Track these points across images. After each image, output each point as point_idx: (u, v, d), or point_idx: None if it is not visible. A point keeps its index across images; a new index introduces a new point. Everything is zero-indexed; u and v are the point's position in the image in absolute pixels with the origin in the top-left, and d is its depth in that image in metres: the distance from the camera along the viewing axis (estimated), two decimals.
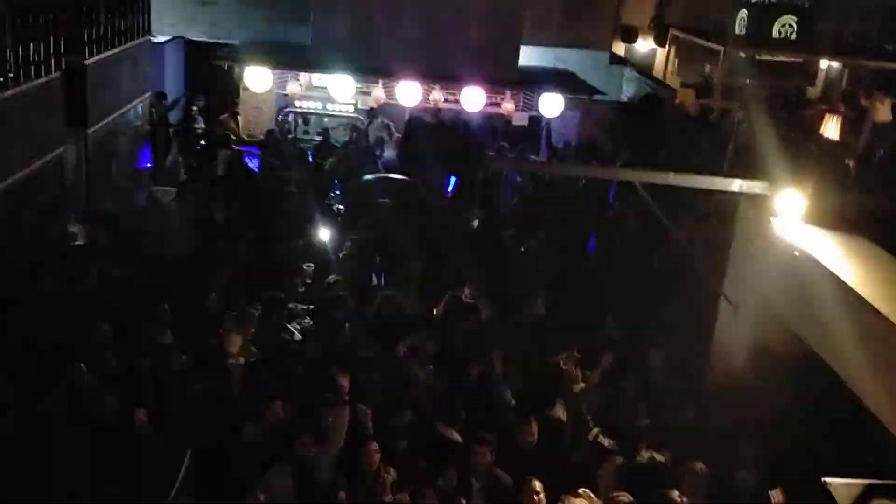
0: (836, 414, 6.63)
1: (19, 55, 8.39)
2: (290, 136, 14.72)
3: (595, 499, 5.89)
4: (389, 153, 13.78)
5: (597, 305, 9.09)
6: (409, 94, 14.15)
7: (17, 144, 8.49)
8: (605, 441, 6.73)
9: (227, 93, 15.06)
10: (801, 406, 6.89)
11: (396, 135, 14.50)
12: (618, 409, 7.36)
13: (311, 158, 13.40)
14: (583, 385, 7.58)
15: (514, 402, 7.33)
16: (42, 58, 8.92)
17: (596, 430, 6.90)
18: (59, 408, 6.36)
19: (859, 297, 6.16)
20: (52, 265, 8.48)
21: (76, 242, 9.27)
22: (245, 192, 11.36)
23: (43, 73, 8.96)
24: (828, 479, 4.80)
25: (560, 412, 7.13)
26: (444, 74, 14.38)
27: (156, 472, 4.67)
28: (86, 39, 10.15)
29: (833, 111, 18.70)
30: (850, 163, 16.10)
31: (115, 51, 11.15)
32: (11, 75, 8.26)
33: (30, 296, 7.96)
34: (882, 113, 19.43)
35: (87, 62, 10.03)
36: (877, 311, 5.92)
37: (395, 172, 11.70)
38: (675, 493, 5.86)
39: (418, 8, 14.33)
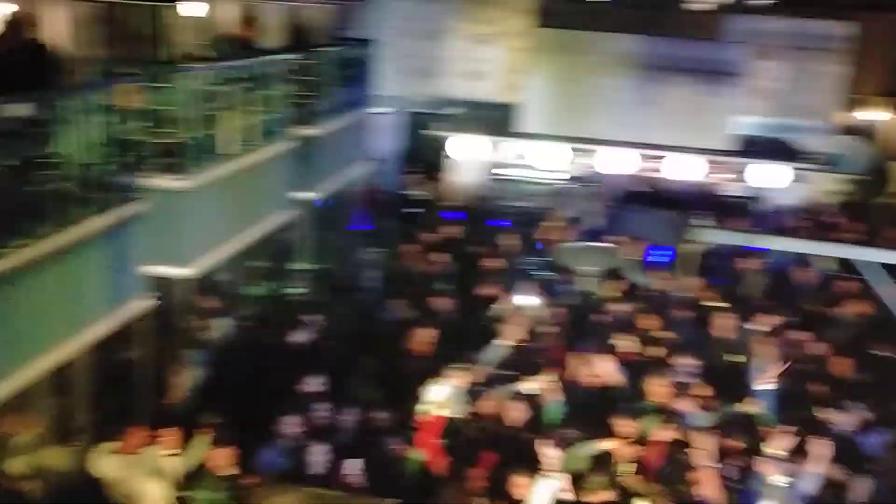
0: None
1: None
2: (495, 202, 14.98)
3: None
4: (594, 221, 13.68)
5: None
6: (619, 163, 14.07)
7: (253, 208, 9.28)
8: None
9: (437, 159, 15.64)
10: None
11: (604, 205, 14.36)
12: None
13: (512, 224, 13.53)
14: None
15: None
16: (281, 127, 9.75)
17: None
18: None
19: None
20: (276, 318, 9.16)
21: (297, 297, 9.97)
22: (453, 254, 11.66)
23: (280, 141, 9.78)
24: None
25: None
26: (653, 143, 14.18)
27: None
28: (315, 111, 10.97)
29: None
30: None
31: (342, 122, 11.96)
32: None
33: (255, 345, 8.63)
34: None
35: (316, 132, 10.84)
36: None
37: (602, 240, 11.62)
38: None
39: None
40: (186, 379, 8.26)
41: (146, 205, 7.03)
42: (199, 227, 7.84)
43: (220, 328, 9.22)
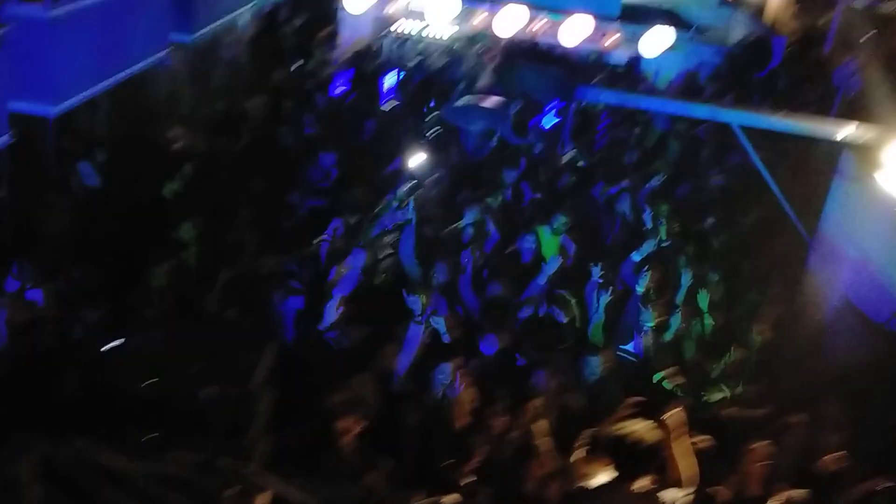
0: None
1: None
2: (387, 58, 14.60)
3: None
4: (486, 80, 13.59)
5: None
6: (510, 21, 13.89)
7: (123, 46, 8.69)
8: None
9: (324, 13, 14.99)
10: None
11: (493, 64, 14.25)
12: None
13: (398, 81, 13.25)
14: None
15: None
16: None
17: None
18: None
19: None
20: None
21: (176, 146, 9.53)
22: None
23: None
24: None
25: None
26: (543, 5, 14.06)
27: (239, 358, 4.87)
28: None
29: None
30: None
31: None
32: None
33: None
34: None
35: None
36: None
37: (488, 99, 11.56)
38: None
39: None
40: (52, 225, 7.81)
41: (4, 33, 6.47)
42: (62, 61, 7.31)
43: (86, 173, 8.69)
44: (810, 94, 14.21)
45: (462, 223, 8.24)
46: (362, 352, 6.38)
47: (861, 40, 16.21)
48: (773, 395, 6.69)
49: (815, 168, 9.22)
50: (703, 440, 5.09)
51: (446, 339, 6.49)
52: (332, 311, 6.44)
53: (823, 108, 11.98)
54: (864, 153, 7.51)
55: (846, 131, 7.63)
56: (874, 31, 16.17)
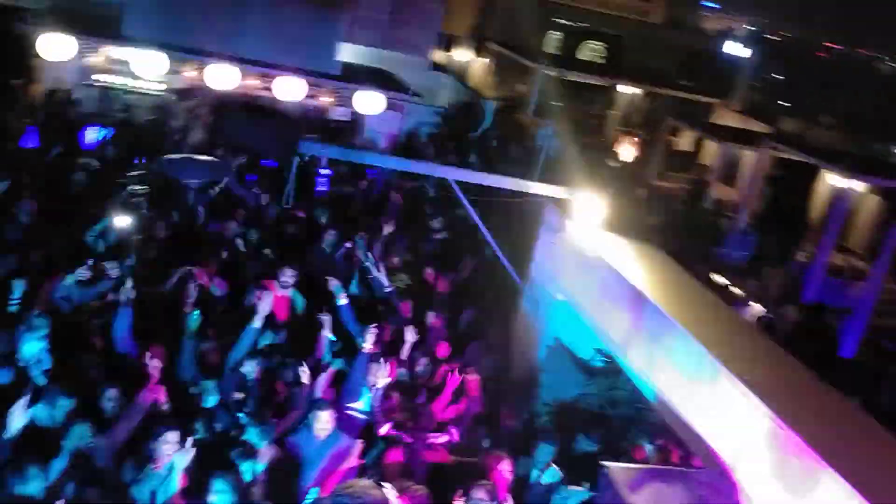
0: (630, 406, 7.08)
1: None
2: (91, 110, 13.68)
3: None
4: (198, 136, 13.22)
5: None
6: (223, 77, 13.68)
7: None
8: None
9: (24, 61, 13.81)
10: (598, 399, 7.28)
11: (207, 119, 13.93)
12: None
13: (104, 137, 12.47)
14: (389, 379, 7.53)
15: None
16: None
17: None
18: None
19: (643, 296, 6.60)
20: None
21: None
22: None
23: None
24: (606, 463, 5.09)
25: None
26: (259, 60, 14.06)
27: None
28: None
29: (631, 134, 20.32)
30: (646, 181, 17.51)
31: None
32: None
33: None
34: (681, 140, 21.33)
35: None
36: (656, 307, 6.37)
37: (202, 155, 11.22)
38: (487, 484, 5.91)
39: None
40: None
41: None
42: None
43: None
44: (516, 152, 15.45)
45: (174, 283, 7.79)
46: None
47: (557, 105, 18.05)
48: (495, 436, 7.00)
49: (526, 220, 9.98)
50: (419, 489, 5.24)
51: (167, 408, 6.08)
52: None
53: (528, 166, 13.08)
54: (562, 206, 8.30)
55: (545, 188, 8.37)
56: (567, 97, 18.10)
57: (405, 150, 14.55)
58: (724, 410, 5.42)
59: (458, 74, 20.30)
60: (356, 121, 15.27)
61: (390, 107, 15.05)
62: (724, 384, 5.40)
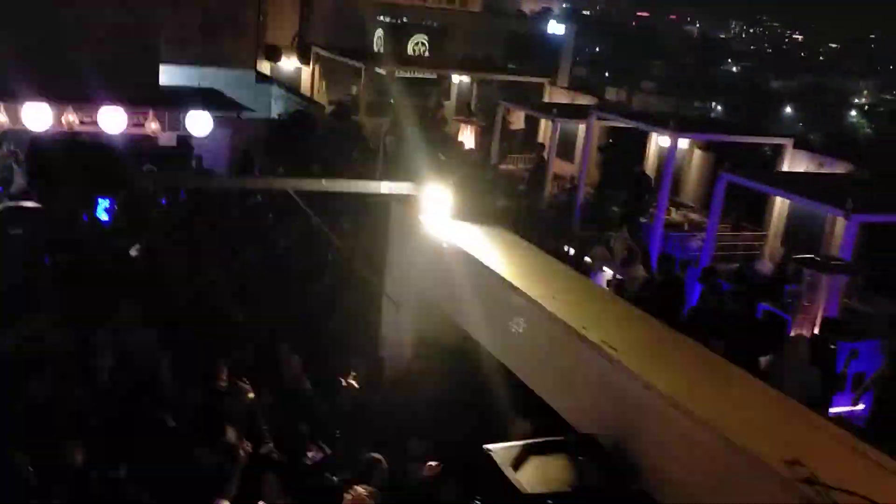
0: (499, 388, 7.17)
1: None
2: None
3: None
4: (20, 182, 12.40)
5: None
6: (37, 116, 12.88)
7: None
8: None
9: None
10: (468, 387, 7.33)
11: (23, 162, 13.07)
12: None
13: None
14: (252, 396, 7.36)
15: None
16: None
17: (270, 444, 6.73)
18: None
19: (500, 277, 6.72)
20: None
21: None
22: None
23: None
24: (488, 446, 5.13)
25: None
26: (74, 95, 13.33)
27: None
28: None
29: (467, 122, 20.66)
30: (489, 166, 17.84)
31: None
32: None
33: None
34: (516, 121, 21.89)
35: None
36: (514, 287, 6.50)
37: (27, 201, 10.54)
38: (361, 489, 5.93)
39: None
40: None
41: None
42: None
43: None
44: (356, 154, 15.38)
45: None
46: None
47: (391, 102, 18.10)
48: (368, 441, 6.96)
49: (377, 220, 9.93)
50: None
51: None
52: None
53: (370, 166, 13.06)
54: (410, 202, 8.31)
55: (390, 186, 8.36)
56: (400, 93, 18.18)
57: (240, 168, 14.22)
58: (588, 376, 5.60)
59: (288, 84, 19.99)
60: (187, 144, 14.75)
61: (220, 125, 14.63)
62: (585, 351, 5.57)
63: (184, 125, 14.18)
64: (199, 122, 14.14)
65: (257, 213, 12.05)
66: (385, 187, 8.33)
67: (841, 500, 3.76)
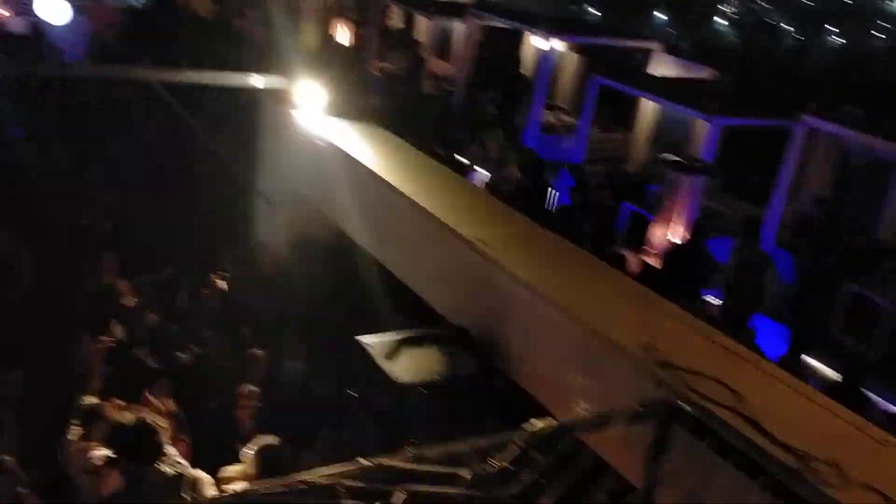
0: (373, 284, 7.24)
1: None
2: None
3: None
4: None
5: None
6: None
7: None
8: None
9: None
10: (343, 284, 7.36)
11: None
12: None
13: None
14: (136, 301, 7.18)
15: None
16: None
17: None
18: None
19: (375, 175, 6.69)
20: None
21: None
22: None
23: None
24: (362, 338, 5.21)
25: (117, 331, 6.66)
26: None
27: None
28: None
29: (342, 17, 20.01)
30: (365, 63, 17.46)
31: None
32: None
33: None
34: (394, 18, 21.34)
35: None
36: (389, 185, 6.50)
37: None
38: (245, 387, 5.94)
39: None
40: None
41: None
42: None
43: None
44: (220, 46, 14.66)
45: None
46: None
47: None
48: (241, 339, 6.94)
49: (244, 118, 9.61)
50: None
51: None
52: None
53: (237, 60, 12.51)
54: (281, 97, 8.07)
55: (261, 80, 8.07)
56: None
57: (99, 57, 13.35)
58: (460, 271, 5.72)
59: None
60: (40, 31, 13.68)
61: (77, 11, 13.60)
62: (458, 247, 5.67)
63: (36, 11, 13.09)
64: (54, 8, 13.07)
65: (120, 108, 11.44)
66: (255, 80, 8.04)
67: (691, 381, 4.04)
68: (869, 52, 47.80)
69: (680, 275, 9.01)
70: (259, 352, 6.44)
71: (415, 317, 6.49)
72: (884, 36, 57.49)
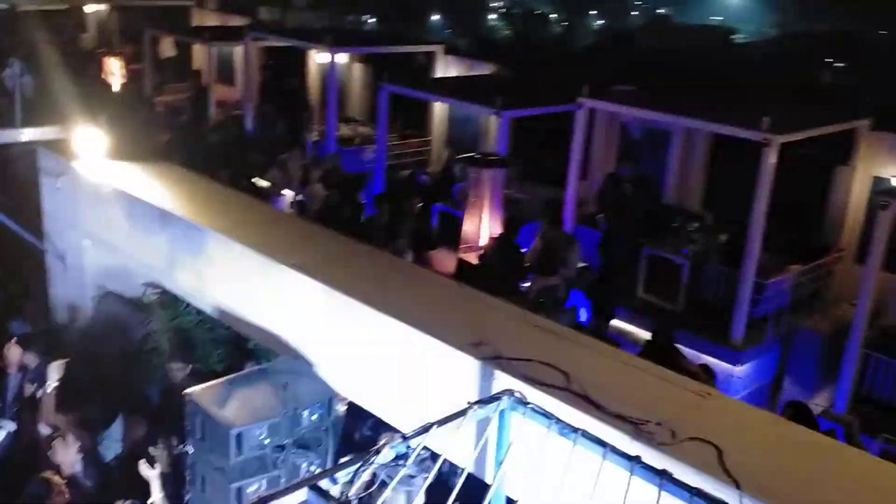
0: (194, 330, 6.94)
1: None
2: None
3: None
4: None
5: None
6: None
7: None
8: None
9: None
10: (160, 333, 6.99)
11: None
12: None
13: None
14: None
15: None
16: None
17: None
18: None
19: (168, 212, 6.42)
20: None
21: None
22: None
23: None
24: (187, 391, 4.96)
25: None
26: None
27: None
28: None
29: (112, 54, 19.03)
30: (144, 99, 16.71)
31: None
32: None
33: None
34: (167, 49, 20.53)
35: None
36: (191, 223, 6.25)
37: None
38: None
39: None
40: None
41: None
42: None
43: None
44: None
45: None
46: None
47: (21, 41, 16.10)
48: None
49: (20, 173, 8.93)
50: None
51: None
52: None
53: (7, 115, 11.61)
54: (59, 147, 7.55)
55: (33, 133, 7.54)
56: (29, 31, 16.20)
57: None
58: (286, 299, 5.60)
59: None
60: None
61: None
62: (279, 275, 5.54)
63: None
64: None
65: None
66: (27, 134, 7.49)
67: (522, 368, 4.16)
68: (629, 28, 51.47)
69: (499, 266, 9.30)
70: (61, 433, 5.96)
71: (243, 356, 6.31)
72: (637, 13, 62.10)
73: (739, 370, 9.27)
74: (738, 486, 3.20)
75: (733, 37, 49.61)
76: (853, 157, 10.51)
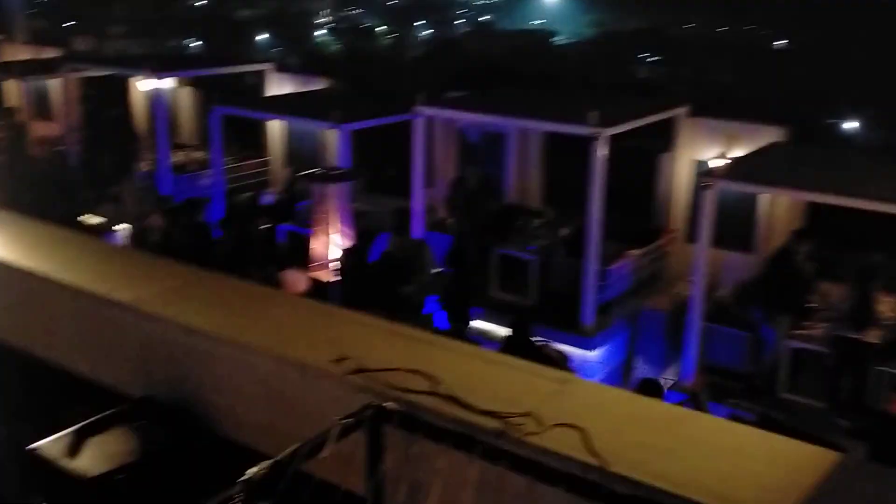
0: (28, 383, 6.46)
1: None
2: None
3: None
4: None
5: None
6: None
7: None
8: None
9: None
10: None
11: None
12: None
13: None
14: None
15: None
16: None
17: None
18: None
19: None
20: None
21: None
22: None
23: None
24: (31, 446, 4.64)
25: None
26: None
27: None
28: None
29: None
30: None
31: None
32: None
33: None
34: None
35: None
36: (13, 267, 5.86)
37: None
38: None
39: None
40: None
41: None
42: None
43: None
44: None
45: None
46: None
47: None
48: None
49: None
50: None
51: None
52: None
53: None
54: None
55: None
56: None
57: None
58: (128, 339, 5.33)
59: None
60: None
61: None
62: (119, 314, 5.27)
63: None
64: None
65: None
66: None
67: (388, 378, 4.15)
68: (455, 36, 52.64)
69: (355, 279, 9.26)
70: None
71: (92, 403, 5.94)
72: (463, 20, 63.65)
73: (593, 354, 9.66)
74: (605, 465, 3.32)
75: (553, 39, 51.82)
76: (675, 143, 11.19)
